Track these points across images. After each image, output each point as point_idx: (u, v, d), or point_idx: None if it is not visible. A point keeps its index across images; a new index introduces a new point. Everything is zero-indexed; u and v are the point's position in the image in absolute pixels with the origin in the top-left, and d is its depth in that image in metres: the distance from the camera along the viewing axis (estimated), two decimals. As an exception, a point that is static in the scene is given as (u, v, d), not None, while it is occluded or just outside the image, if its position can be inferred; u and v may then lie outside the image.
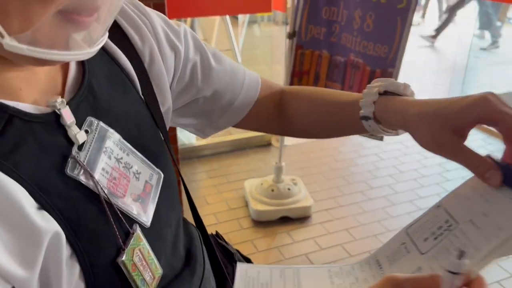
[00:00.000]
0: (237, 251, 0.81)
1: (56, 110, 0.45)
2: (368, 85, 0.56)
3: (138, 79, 0.56)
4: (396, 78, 2.07)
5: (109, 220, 0.47)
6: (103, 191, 0.46)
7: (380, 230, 2.42)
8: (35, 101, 0.45)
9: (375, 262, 0.48)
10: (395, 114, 0.51)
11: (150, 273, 0.51)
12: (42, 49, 0.37)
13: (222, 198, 2.69)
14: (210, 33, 4.21)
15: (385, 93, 0.54)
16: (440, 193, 2.79)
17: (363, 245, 2.31)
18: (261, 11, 3.28)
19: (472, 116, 0.42)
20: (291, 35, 2.23)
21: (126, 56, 0.55)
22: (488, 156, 0.44)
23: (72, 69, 0.49)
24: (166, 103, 0.61)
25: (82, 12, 0.38)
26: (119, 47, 0.55)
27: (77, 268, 0.44)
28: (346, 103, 0.59)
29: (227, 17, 3.63)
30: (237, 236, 2.40)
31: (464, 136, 0.44)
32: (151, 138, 0.57)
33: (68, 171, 0.44)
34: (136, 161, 0.52)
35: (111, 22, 0.44)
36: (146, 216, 0.52)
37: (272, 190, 2.54)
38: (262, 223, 2.47)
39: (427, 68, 5.50)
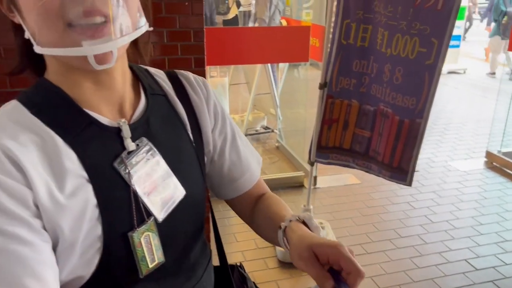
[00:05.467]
0: (254, 283, 0.97)
1: (120, 126, 0.66)
2: (293, 214, 0.76)
3: (190, 125, 0.77)
4: (424, 128, 2.12)
5: (131, 205, 0.65)
6: (133, 184, 0.65)
7: (405, 280, 2.41)
8: (108, 117, 0.67)
9: None
10: (291, 233, 0.71)
11: (152, 256, 0.68)
12: (58, 48, 0.57)
13: (251, 236, 2.77)
14: (252, 76, 4.42)
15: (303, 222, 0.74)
16: (471, 246, 2.73)
17: (387, 294, 2.30)
18: (299, 60, 3.45)
19: (323, 250, 0.63)
20: (322, 86, 2.35)
21: (184, 108, 0.78)
22: (329, 269, 0.62)
23: (141, 105, 0.72)
24: (208, 147, 0.82)
25: (87, 27, 0.55)
26: (180, 101, 0.78)
27: (99, 229, 0.61)
28: (279, 215, 0.79)
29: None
30: (262, 275, 2.46)
31: (320, 260, 0.64)
32: (189, 167, 0.75)
33: (115, 164, 0.64)
34: (167, 176, 0.71)
35: (124, 41, 0.59)
36: (160, 213, 0.69)
37: (299, 232, 2.59)
38: (288, 264, 2.52)
39: (468, 117, 5.43)
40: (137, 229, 0.65)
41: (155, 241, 0.68)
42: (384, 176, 2.31)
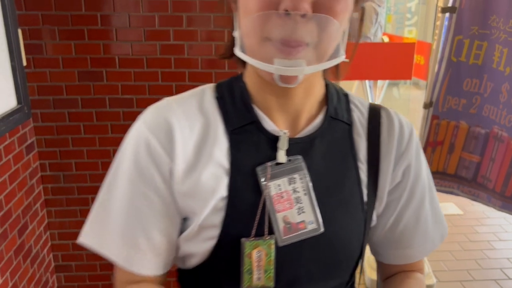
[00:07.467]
0: None
1: (280, 136, 0.65)
2: None
3: (368, 165, 0.69)
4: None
5: (255, 213, 0.62)
6: (266, 194, 0.63)
7: (514, 329, 2.13)
8: (278, 123, 0.66)
9: None
10: None
11: (260, 275, 0.63)
12: (251, 58, 0.58)
13: None
14: (348, 94, 4.31)
15: None
16: None
17: None
18: (402, 78, 3.28)
19: None
20: (427, 105, 2.20)
21: (368, 145, 0.69)
22: None
23: (314, 124, 0.68)
24: (381, 204, 0.71)
25: (283, 46, 0.55)
26: (367, 137, 0.70)
27: (220, 215, 0.62)
28: None
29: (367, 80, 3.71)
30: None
31: None
32: (342, 207, 0.66)
33: (258, 169, 0.63)
34: (308, 203, 0.64)
35: (313, 70, 0.58)
36: (283, 238, 0.63)
37: (392, 260, 2.42)
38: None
39: None
40: (253, 239, 0.62)
41: (268, 262, 0.62)
42: (494, 206, 2.08)
